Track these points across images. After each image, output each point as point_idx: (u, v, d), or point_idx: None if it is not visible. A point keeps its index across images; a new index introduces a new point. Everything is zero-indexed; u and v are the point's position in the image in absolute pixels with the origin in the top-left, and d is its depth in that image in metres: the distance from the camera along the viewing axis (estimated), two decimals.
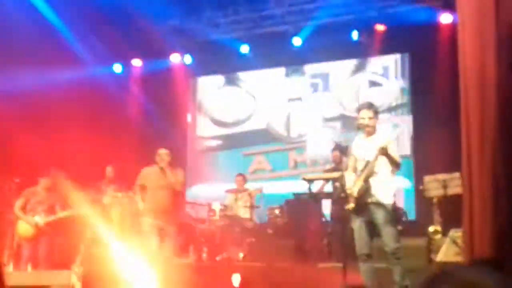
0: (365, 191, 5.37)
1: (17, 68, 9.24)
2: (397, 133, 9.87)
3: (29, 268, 8.12)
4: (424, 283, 1.68)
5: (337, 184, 5.97)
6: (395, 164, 5.47)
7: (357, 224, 5.47)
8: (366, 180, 5.37)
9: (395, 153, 5.45)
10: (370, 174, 5.38)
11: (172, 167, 7.73)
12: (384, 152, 5.33)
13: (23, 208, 8.23)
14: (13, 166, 8.80)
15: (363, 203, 5.40)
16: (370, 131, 5.59)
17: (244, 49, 10.97)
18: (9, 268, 8.14)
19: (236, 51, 11.06)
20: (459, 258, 5.53)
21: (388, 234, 5.32)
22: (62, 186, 8.28)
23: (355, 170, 5.59)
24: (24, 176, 8.69)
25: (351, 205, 5.42)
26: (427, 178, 7.59)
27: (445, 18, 9.18)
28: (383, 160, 5.39)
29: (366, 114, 5.61)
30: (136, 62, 11.45)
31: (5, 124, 8.34)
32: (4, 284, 1.86)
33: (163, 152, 7.71)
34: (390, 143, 5.43)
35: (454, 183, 7.00)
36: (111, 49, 10.57)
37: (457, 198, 5.70)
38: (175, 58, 11.39)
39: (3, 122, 8.29)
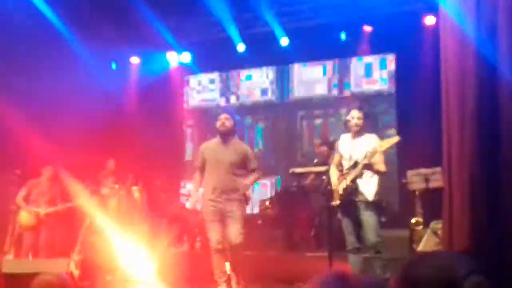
0: (352, 190, 5.42)
1: (20, 63, 9.21)
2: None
3: (30, 256, 8.11)
4: (402, 267, 1.71)
5: (325, 178, 6.00)
6: (380, 173, 5.53)
7: (345, 221, 5.54)
8: (353, 181, 5.41)
9: (381, 164, 5.50)
10: (358, 175, 5.41)
11: None
12: (370, 166, 5.40)
13: (26, 199, 8.21)
14: (14, 158, 8.75)
15: (350, 201, 5.45)
16: (358, 131, 5.61)
17: (240, 47, 10.88)
18: (10, 256, 8.13)
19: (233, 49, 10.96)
20: (439, 248, 5.57)
21: (369, 229, 5.39)
22: (63, 178, 8.27)
23: (338, 166, 5.63)
24: (25, 168, 8.66)
25: (337, 202, 5.48)
26: (410, 172, 7.64)
27: (429, 20, 9.18)
28: (368, 161, 5.42)
29: (356, 114, 5.63)
30: (134, 60, 11.39)
31: (6, 118, 8.30)
32: None
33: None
34: (377, 154, 5.42)
35: (435, 177, 7.03)
36: (109, 47, 10.51)
37: (438, 191, 5.73)
38: (172, 56, 11.35)
39: (4, 116, 8.26)
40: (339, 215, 5.68)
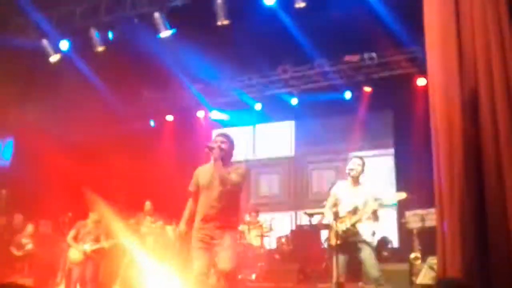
0: (353, 233, 5.33)
1: (75, 123, 9.42)
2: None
3: None
4: None
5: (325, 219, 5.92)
6: (377, 220, 5.46)
7: (340, 259, 5.38)
8: (353, 225, 5.33)
9: (378, 213, 5.42)
10: (359, 221, 5.33)
11: None
12: (374, 215, 5.35)
13: (75, 238, 8.22)
14: (67, 203, 8.82)
15: (350, 242, 5.35)
16: (357, 179, 5.56)
17: (257, 106, 11.05)
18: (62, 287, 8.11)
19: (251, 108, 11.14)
20: (435, 282, 5.42)
21: (371, 267, 5.27)
22: (107, 219, 8.27)
23: (332, 209, 5.54)
24: (76, 210, 8.71)
25: (335, 242, 5.35)
26: (408, 213, 7.52)
27: (421, 81, 9.21)
28: (368, 210, 5.35)
29: (356, 163, 5.59)
30: (169, 118, 11.55)
31: (62, 168, 8.43)
32: None
33: None
34: (375, 205, 5.37)
35: (430, 217, 6.91)
36: (149, 106, 10.72)
37: (434, 229, 5.60)
38: (201, 114, 11.51)
39: (61, 166, 8.39)
40: (337, 253, 5.50)
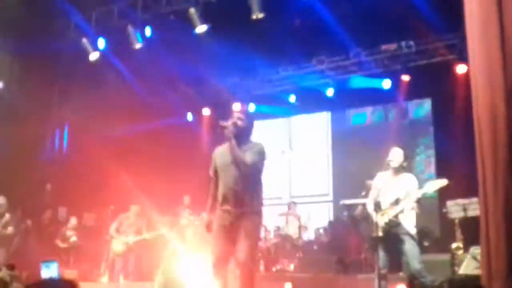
0: (395, 224, 5.31)
1: (114, 119, 9.64)
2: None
3: (121, 279, 8.29)
4: None
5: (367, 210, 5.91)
6: (420, 210, 5.46)
7: (382, 252, 5.37)
8: (395, 216, 5.31)
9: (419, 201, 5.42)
10: (401, 212, 5.31)
11: None
12: (416, 202, 5.34)
13: (117, 230, 8.44)
14: (109, 196, 9.05)
15: (392, 234, 5.33)
16: (398, 169, 5.52)
17: (292, 98, 11.05)
18: (105, 279, 8.33)
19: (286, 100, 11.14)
20: (478, 272, 5.34)
21: (413, 258, 5.25)
22: (148, 212, 8.47)
23: (374, 200, 5.53)
24: (118, 204, 8.94)
25: (378, 234, 5.35)
26: (449, 203, 7.41)
27: (460, 68, 9.01)
28: (410, 200, 5.32)
29: (397, 153, 5.55)
30: (206, 111, 11.67)
31: (103, 164, 8.65)
32: None
33: None
34: (417, 194, 5.36)
35: (472, 206, 6.80)
36: (185, 101, 10.86)
37: (476, 219, 5.52)
38: (236, 107, 11.57)
39: (102, 161, 8.61)
40: (378, 245, 5.49)
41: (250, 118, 4.54)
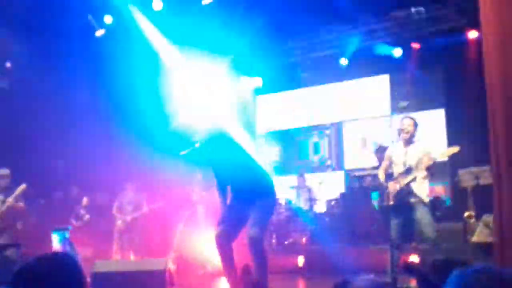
0: (407, 192, 5.30)
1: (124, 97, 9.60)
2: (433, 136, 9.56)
3: (132, 255, 8.46)
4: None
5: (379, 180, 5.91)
6: (432, 177, 5.43)
7: (394, 221, 5.40)
8: (407, 184, 5.30)
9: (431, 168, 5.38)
10: (413, 179, 5.30)
11: None
12: (427, 169, 5.30)
13: (119, 208, 8.69)
14: (123, 175, 9.10)
15: (405, 202, 5.33)
16: (409, 139, 5.49)
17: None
18: (118, 256, 8.48)
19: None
20: (491, 239, 5.35)
21: (427, 226, 5.27)
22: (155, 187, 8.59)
23: (386, 170, 5.53)
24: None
25: (391, 203, 5.37)
26: (461, 171, 7.41)
27: (472, 34, 8.85)
28: (422, 167, 5.30)
29: (407, 123, 5.52)
30: None
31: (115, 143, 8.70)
32: None
33: None
34: (429, 161, 5.33)
35: (484, 174, 6.78)
36: None
37: (488, 187, 5.50)
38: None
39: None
40: (391, 215, 5.52)
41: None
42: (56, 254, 1.99)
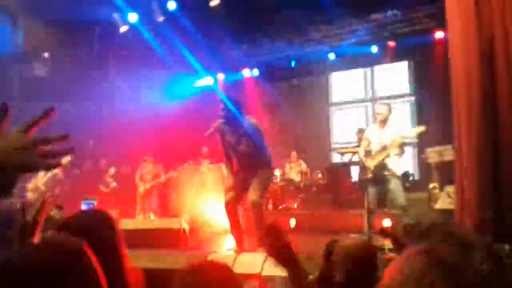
0: (382, 167, 5.35)
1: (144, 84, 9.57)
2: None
3: (152, 215, 8.54)
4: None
5: (358, 157, 5.96)
6: (403, 152, 5.46)
7: (372, 190, 5.44)
8: (383, 160, 5.34)
9: (402, 146, 5.41)
10: (387, 156, 5.34)
11: None
12: (399, 147, 5.32)
13: (141, 177, 8.71)
14: (143, 150, 9.13)
15: (380, 175, 5.38)
16: (383, 122, 5.52)
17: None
18: (140, 217, 8.55)
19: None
20: (452, 206, 5.42)
21: (398, 195, 5.32)
22: (167, 160, 8.63)
23: (366, 148, 5.56)
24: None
25: (369, 176, 5.42)
26: (428, 150, 7.44)
27: (439, 34, 8.81)
28: (395, 145, 5.34)
29: (382, 108, 5.54)
30: (220, 76, 11.56)
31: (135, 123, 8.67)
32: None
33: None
34: (401, 140, 5.37)
35: (447, 152, 6.82)
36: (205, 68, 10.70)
37: (450, 163, 5.56)
38: (246, 72, 11.49)
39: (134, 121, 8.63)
40: (368, 185, 5.56)
41: (232, 103, 4.62)
42: (98, 210, 2.01)
